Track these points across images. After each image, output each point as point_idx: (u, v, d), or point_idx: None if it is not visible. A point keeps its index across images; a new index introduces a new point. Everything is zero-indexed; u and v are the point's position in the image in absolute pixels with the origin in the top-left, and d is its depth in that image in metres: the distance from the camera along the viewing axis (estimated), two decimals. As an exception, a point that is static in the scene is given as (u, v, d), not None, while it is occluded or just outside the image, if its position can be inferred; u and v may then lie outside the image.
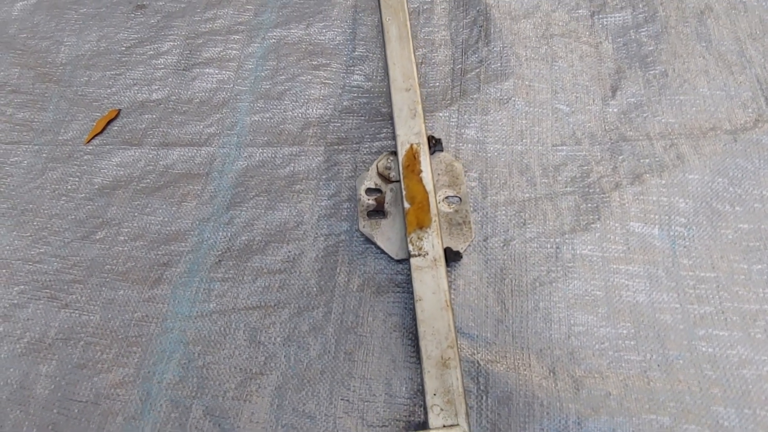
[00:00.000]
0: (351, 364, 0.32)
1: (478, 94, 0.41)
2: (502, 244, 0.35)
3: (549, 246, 0.34)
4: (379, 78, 0.43)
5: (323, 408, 0.31)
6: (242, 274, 0.36)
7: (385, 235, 0.35)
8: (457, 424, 0.28)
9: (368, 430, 0.30)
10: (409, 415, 0.30)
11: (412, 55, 0.40)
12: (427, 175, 0.35)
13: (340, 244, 0.36)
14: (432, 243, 0.33)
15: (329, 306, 0.34)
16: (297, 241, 0.37)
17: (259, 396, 0.32)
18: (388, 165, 0.37)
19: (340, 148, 0.41)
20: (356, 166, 0.39)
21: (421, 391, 0.30)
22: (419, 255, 0.33)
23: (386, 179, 0.37)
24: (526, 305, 0.32)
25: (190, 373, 0.33)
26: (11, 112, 0.45)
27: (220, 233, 0.38)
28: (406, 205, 0.34)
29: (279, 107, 0.43)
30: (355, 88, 0.43)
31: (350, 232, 0.37)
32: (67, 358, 0.34)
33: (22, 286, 0.37)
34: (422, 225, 0.34)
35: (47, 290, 0.37)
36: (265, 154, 0.41)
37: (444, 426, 0.28)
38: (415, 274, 0.32)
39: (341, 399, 0.31)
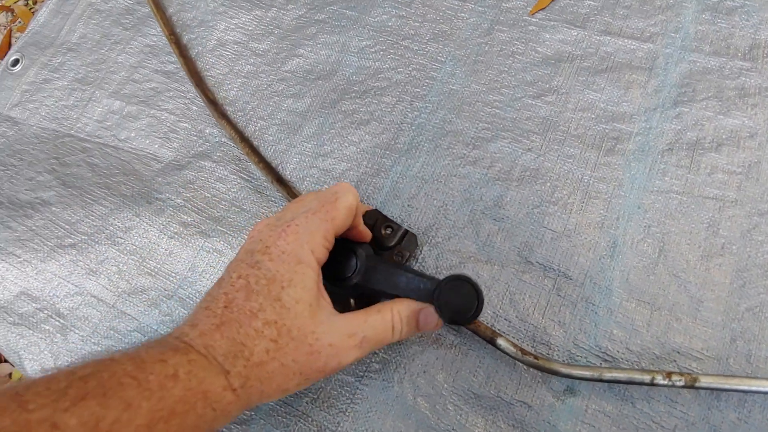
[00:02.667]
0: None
1: None
2: None
3: None
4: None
5: (791, 301, 0.33)
6: (697, 166, 0.39)
7: None
8: None
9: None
10: None
11: None
12: None
13: (803, 164, 0.37)
14: None
15: (796, 216, 0.36)
16: (753, 150, 0.39)
17: (721, 274, 0.35)
18: None
19: (799, 74, 0.41)
20: None
21: None
22: None
23: None
24: None
25: (651, 237, 0.37)
26: (456, -27, 0.49)
27: (668, 125, 0.40)
28: None
29: (727, 22, 0.44)
30: (817, 19, 0.42)
31: (814, 155, 0.37)
32: (537, 192, 0.39)
33: (485, 124, 0.42)
34: None
35: (508, 132, 0.41)
36: (711, 63, 0.42)
37: None
38: None
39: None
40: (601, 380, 0.31)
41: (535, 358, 0.32)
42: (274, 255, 0.28)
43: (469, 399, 0.33)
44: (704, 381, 0.30)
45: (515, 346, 0.32)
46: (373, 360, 0.35)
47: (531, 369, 0.34)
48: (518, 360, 0.32)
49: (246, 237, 0.31)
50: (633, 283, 0.35)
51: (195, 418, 0.24)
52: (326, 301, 0.29)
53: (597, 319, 0.34)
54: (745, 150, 0.39)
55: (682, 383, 0.30)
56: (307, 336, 0.27)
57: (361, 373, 0.35)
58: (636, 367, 0.33)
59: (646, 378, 0.30)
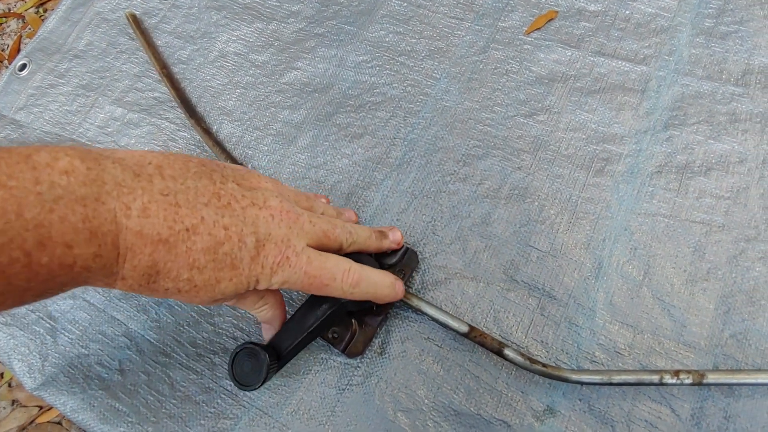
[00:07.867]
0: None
1: None
2: None
3: None
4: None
5: (775, 329, 0.33)
6: (685, 189, 0.39)
7: None
8: None
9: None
10: None
11: None
12: None
13: (791, 191, 0.37)
14: None
15: (783, 242, 0.36)
16: (742, 175, 0.39)
17: (705, 299, 0.35)
18: None
19: (791, 101, 0.41)
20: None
21: None
22: None
23: None
24: None
25: (637, 259, 0.37)
26: (455, -9, 0.50)
27: (658, 147, 0.41)
28: None
29: (721, 47, 0.44)
30: (811, 47, 0.42)
31: (803, 182, 0.37)
32: (525, 211, 0.39)
33: (477, 141, 0.43)
34: None
35: (499, 150, 0.42)
36: (703, 87, 0.42)
37: None
38: None
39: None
40: (611, 383, 0.31)
41: (544, 366, 0.32)
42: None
43: (449, 416, 0.33)
44: (711, 377, 0.31)
45: (523, 355, 0.32)
46: (355, 373, 0.35)
47: (512, 388, 0.34)
48: (527, 369, 0.32)
49: None
50: (617, 305, 0.35)
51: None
52: None
53: (580, 340, 0.34)
54: (734, 175, 0.39)
55: (689, 381, 0.31)
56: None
57: (342, 386, 0.35)
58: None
59: (655, 378, 0.31)
